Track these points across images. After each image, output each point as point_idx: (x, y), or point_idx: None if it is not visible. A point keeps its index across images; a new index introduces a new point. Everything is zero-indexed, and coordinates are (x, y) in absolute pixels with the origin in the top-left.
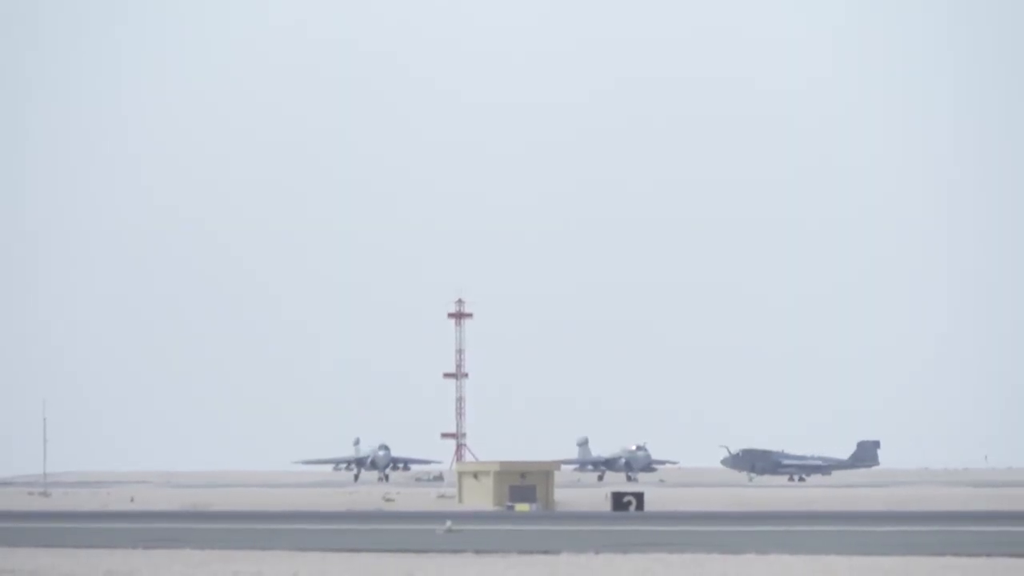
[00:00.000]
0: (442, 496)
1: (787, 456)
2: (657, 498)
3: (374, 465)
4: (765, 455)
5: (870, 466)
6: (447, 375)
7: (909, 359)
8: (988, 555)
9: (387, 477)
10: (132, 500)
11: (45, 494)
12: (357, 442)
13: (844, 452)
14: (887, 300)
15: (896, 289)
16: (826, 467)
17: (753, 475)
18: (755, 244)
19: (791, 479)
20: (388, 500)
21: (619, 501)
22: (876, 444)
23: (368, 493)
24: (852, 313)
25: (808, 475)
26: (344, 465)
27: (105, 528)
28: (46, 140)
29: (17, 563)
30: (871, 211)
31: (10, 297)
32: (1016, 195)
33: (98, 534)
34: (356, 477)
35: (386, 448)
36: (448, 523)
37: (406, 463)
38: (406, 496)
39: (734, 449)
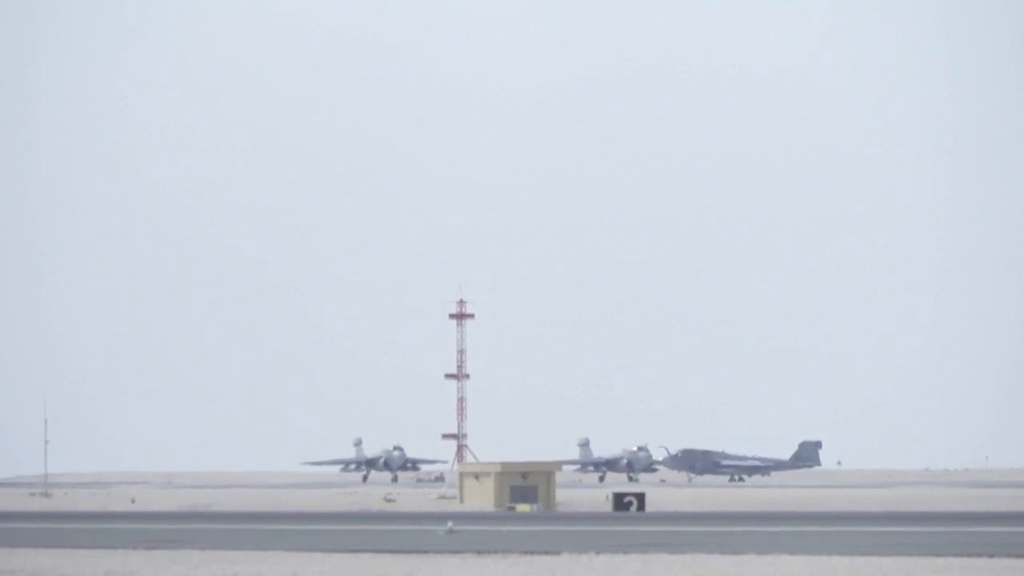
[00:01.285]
0: (443, 497)
1: (726, 456)
2: (658, 499)
3: (386, 466)
4: (705, 455)
5: (811, 466)
6: (448, 376)
7: (908, 359)
8: (988, 555)
9: (396, 478)
10: (133, 501)
11: (46, 495)
12: (358, 443)
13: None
14: (887, 299)
15: (896, 287)
16: (765, 467)
17: (693, 475)
18: (753, 241)
19: (732, 479)
20: (389, 501)
21: (620, 501)
22: (818, 444)
23: (368, 494)
24: (851, 313)
25: (749, 475)
26: (353, 466)
27: (105, 528)
28: (47, 137)
29: (17, 563)
30: (873, 204)
31: (11, 297)
32: (1015, 188)
33: (98, 535)
34: (365, 478)
35: (400, 449)
36: (449, 524)
37: (415, 463)
38: (407, 497)
39: (673, 449)
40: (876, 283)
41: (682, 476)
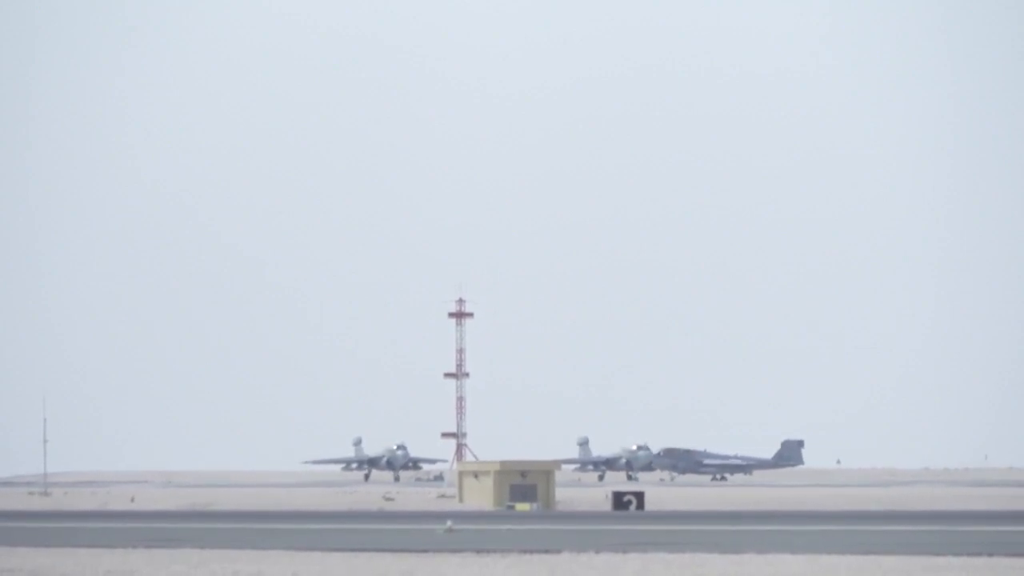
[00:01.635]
0: (442, 496)
1: (708, 455)
2: (657, 498)
3: (389, 465)
4: (687, 454)
5: (794, 465)
6: (447, 375)
7: (908, 359)
8: (988, 555)
9: (398, 477)
10: (132, 500)
11: (45, 494)
12: (358, 442)
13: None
14: (887, 299)
15: (896, 287)
16: (747, 466)
17: (675, 474)
18: (753, 241)
19: (714, 478)
20: (388, 500)
21: (620, 500)
22: (800, 443)
23: (367, 493)
24: (851, 313)
25: (731, 474)
26: (355, 465)
27: (105, 528)
28: (47, 137)
29: (17, 562)
30: (873, 204)
31: (11, 296)
32: (1015, 188)
33: (98, 533)
34: (367, 477)
35: (404, 448)
36: (448, 523)
37: (416, 462)
38: (406, 496)
39: (655, 448)
40: (876, 283)
41: (663, 475)
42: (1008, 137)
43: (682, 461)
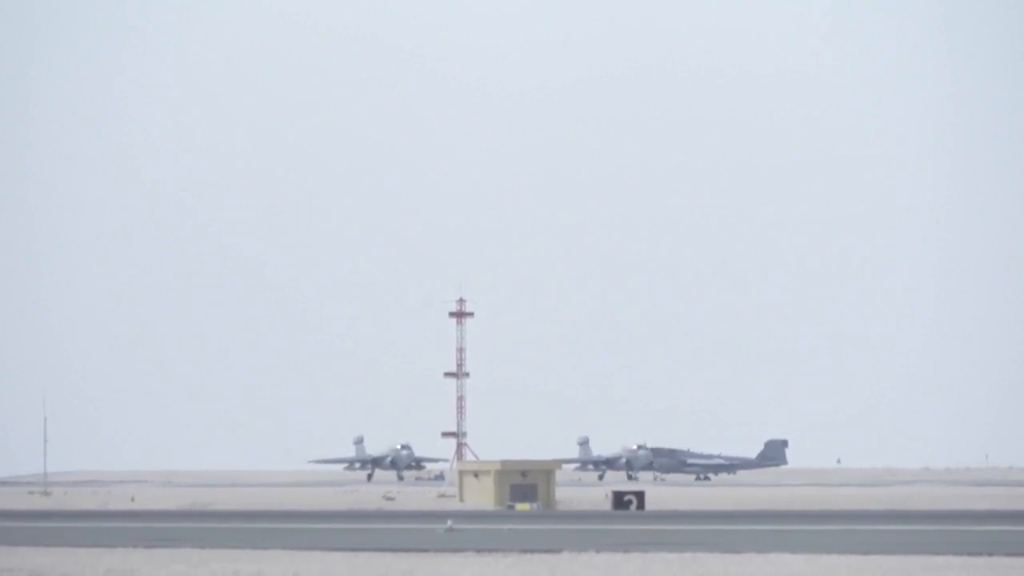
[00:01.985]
0: (443, 495)
1: (692, 455)
2: (658, 497)
3: (393, 464)
4: (671, 453)
5: (778, 465)
6: (448, 374)
7: (908, 359)
8: (988, 555)
9: (402, 476)
10: (133, 500)
11: (45, 493)
12: (359, 441)
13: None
14: (887, 299)
15: (896, 287)
16: (731, 466)
17: (659, 474)
18: (753, 241)
19: (698, 478)
20: (388, 499)
21: (620, 500)
22: (784, 443)
23: (368, 492)
24: (851, 313)
25: (715, 474)
26: (358, 464)
27: (105, 527)
28: (47, 137)
29: (17, 562)
30: (873, 204)
31: (11, 295)
32: (1015, 188)
33: (98, 533)
34: (370, 477)
35: (408, 448)
36: (449, 522)
37: (420, 462)
38: (406, 495)
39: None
40: (876, 283)
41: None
42: (1008, 137)
43: (667, 460)
